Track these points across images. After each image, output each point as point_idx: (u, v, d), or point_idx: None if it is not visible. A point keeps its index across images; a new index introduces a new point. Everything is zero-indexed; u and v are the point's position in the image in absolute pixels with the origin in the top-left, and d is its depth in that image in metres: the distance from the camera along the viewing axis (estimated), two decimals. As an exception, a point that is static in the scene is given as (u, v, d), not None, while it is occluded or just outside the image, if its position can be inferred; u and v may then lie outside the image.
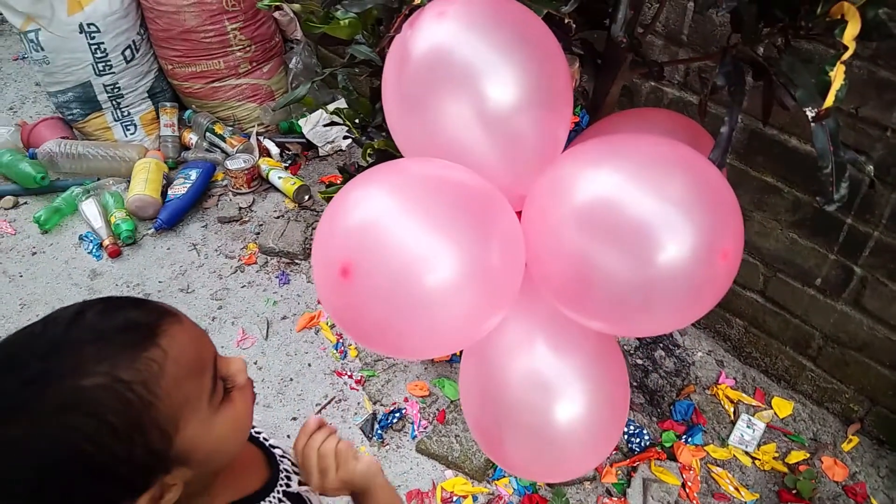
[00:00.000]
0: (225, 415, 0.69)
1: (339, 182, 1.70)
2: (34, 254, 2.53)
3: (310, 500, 0.87)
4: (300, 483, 0.86)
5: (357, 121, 1.64)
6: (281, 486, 0.83)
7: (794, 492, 1.78)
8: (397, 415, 1.99)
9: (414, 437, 1.94)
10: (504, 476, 1.84)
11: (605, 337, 1.06)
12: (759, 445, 1.90)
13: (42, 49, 2.65)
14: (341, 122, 1.66)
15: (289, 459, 0.89)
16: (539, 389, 0.95)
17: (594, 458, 1.02)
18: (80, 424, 0.58)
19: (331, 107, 1.91)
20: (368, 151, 1.53)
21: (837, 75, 0.89)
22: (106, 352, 0.61)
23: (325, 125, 2.59)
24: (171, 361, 0.64)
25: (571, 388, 0.95)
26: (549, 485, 1.83)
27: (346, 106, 1.67)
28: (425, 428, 1.96)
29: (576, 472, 1.13)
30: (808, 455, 1.87)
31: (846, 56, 0.90)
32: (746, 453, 1.88)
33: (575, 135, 1.23)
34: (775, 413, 1.97)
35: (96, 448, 0.59)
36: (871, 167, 1.12)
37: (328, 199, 1.64)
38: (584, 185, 0.95)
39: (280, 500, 0.81)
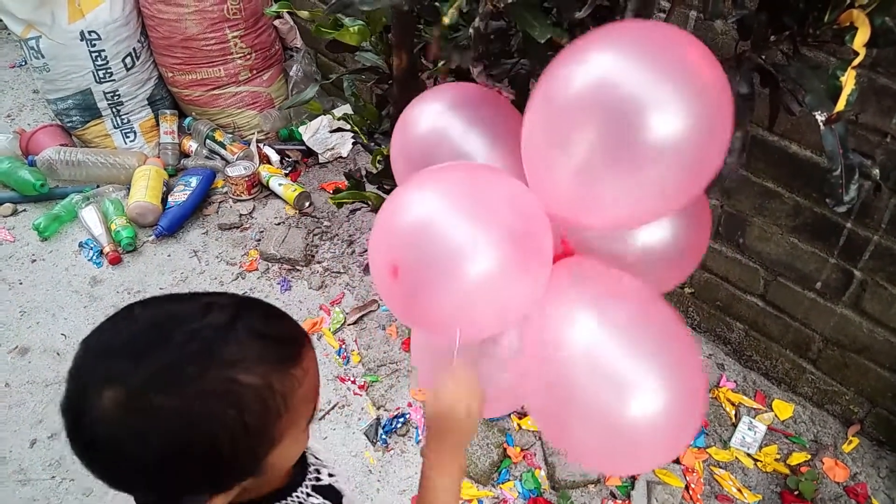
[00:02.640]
0: (303, 436, 0.74)
1: (344, 188, 1.72)
2: (34, 261, 2.53)
3: (342, 491, 0.88)
4: (330, 475, 0.87)
5: (364, 127, 1.66)
6: (310, 479, 0.84)
7: (795, 493, 1.80)
8: (401, 420, 1.99)
9: (418, 442, 1.95)
10: (509, 480, 1.85)
11: (673, 318, 1.05)
12: (760, 447, 1.92)
13: (42, 56, 2.65)
14: (348, 128, 1.68)
15: (313, 455, 0.90)
16: (608, 379, 0.94)
17: (671, 450, 1.00)
18: (225, 415, 0.62)
19: (338, 112, 1.93)
20: (378, 158, 1.54)
21: (849, 80, 0.92)
22: (267, 357, 0.65)
23: (331, 131, 2.60)
24: (307, 382, 0.69)
25: (644, 377, 0.94)
26: (553, 488, 1.84)
27: (350, 112, 1.69)
28: (430, 432, 1.97)
29: (651, 465, 1.11)
30: (810, 456, 1.89)
31: (857, 62, 0.92)
32: (748, 455, 1.90)
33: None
34: (776, 415, 1.99)
35: (226, 440, 0.62)
36: (878, 171, 1.15)
37: (338, 205, 1.66)
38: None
39: (308, 495, 0.82)
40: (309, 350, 0.71)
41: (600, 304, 1.02)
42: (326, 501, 0.85)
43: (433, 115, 1.16)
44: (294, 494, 0.81)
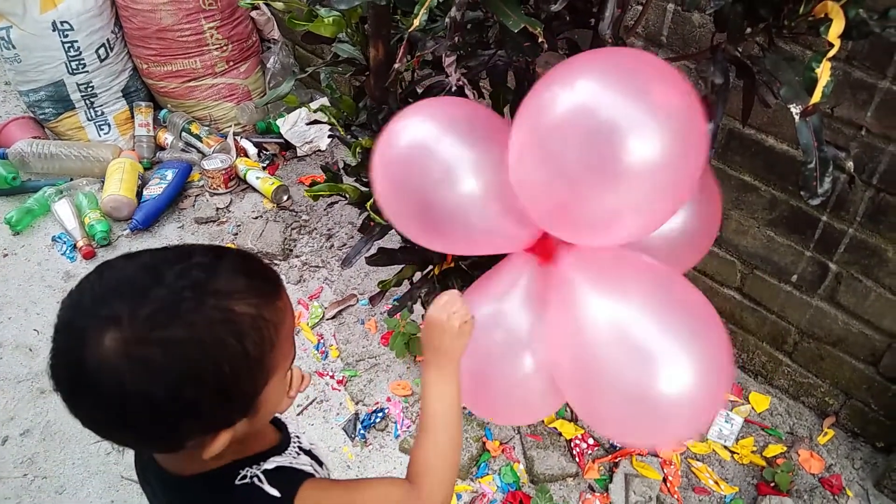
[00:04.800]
0: (286, 381, 0.77)
1: (322, 181, 1.70)
2: (5, 255, 2.48)
3: (318, 455, 0.92)
4: (310, 443, 0.92)
5: (341, 119, 1.64)
6: (295, 443, 0.88)
7: (772, 484, 1.81)
8: (380, 414, 1.98)
9: (397, 437, 1.94)
10: (487, 474, 1.85)
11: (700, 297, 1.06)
12: (737, 440, 1.93)
13: (13, 47, 2.60)
14: (325, 120, 1.66)
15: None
16: (634, 352, 0.96)
17: (698, 422, 1.02)
18: (228, 343, 0.65)
19: (314, 105, 1.91)
20: (356, 150, 1.52)
21: (824, 72, 0.92)
22: (254, 288, 0.68)
23: (308, 123, 2.58)
24: (288, 316, 0.73)
25: (670, 350, 0.95)
26: (532, 482, 1.84)
27: (327, 104, 1.67)
28: (408, 427, 1.96)
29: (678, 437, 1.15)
30: (786, 448, 1.91)
31: (832, 53, 0.92)
32: (725, 447, 1.92)
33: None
34: (753, 408, 2.01)
35: (231, 368, 0.65)
36: (851, 163, 1.15)
37: (314, 198, 1.64)
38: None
39: (297, 453, 0.86)
40: (283, 288, 0.74)
41: (624, 278, 1.04)
42: (313, 461, 0.88)
43: (414, 129, 1.15)
44: (286, 452, 0.84)
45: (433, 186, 1.07)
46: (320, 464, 0.92)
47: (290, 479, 0.79)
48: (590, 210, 0.95)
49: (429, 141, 1.09)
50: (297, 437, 0.90)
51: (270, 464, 0.80)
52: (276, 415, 0.90)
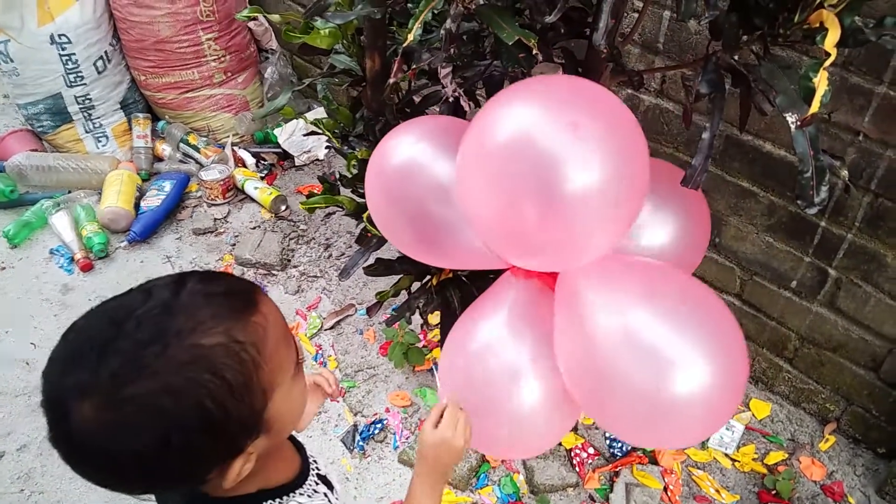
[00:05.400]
0: (299, 386, 0.75)
1: (318, 192, 1.69)
2: (3, 269, 2.48)
3: (330, 480, 0.92)
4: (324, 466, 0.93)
5: (337, 131, 1.64)
6: (314, 469, 0.88)
7: (773, 492, 1.80)
8: (379, 425, 1.97)
9: (396, 448, 1.93)
10: (487, 485, 1.84)
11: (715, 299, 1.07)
12: (738, 447, 1.92)
13: (11, 60, 2.60)
14: (321, 132, 1.66)
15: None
16: (647, 354, 0.95)
17: (713, 424, 1.02)
18: (203, 380, 0.62)
19: (311, 116, 1.91)
20: (352, 161, 1.52)
21: (821, 82, 0.92)
22: (220, 314, 0.65)
23: (304, 135, 2.58)
24: (272, 326, 0.69)
25: (684, 352, 0.95)
26: (532, 492, 1.83)
27: (324, 115, 1.67)
28: (407, 438, 1.95)
29: (692, 440, 1.17)
30: (787, 455, 1.90)
31: (829, 62, 0.92)
32: (726, 455, 1.91)
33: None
34: (753, 415, 2.00)
35: (215, 404, 0.62)
36: (846, 172, 1.15)
37: (310, 210, 1.64)
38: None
39: (316, 482, 0.86)
40: (262, 296, 0.71)
41: (627, 279, 1.04)
42: (328, 489, 0.89)
43: (407, 146, 1.17)
44: (307, 482, 0.84)
45: (426, 201, 1.08)
46: (331, 487, 0.92)
47: None
48: (533, 237, 0.97)
49: (421, 157, 1.09)
50: (314, 460, 0.90)
51: (295, 501, 0.80)
52: (295, 434, 0.92)
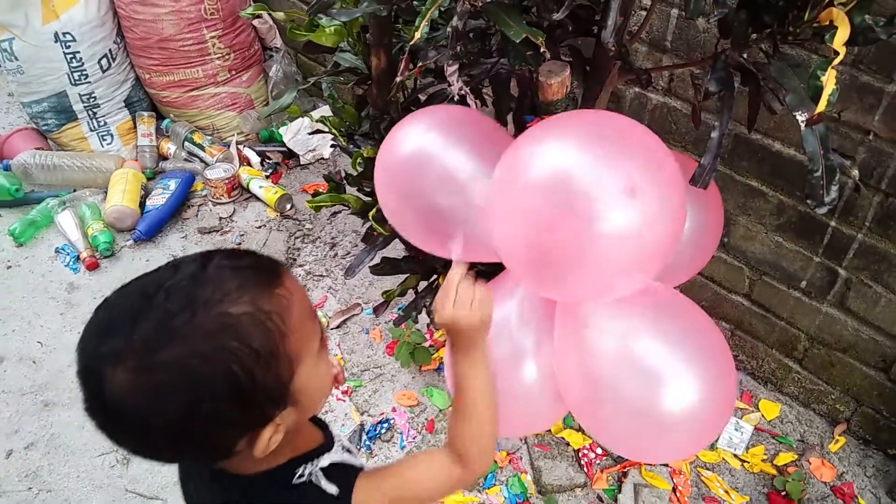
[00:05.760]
0: (324, 363, 0.77)
1: (324, 190, 1.69)
2: (9, 267, 2.48)
3: (351, 450, 0.92)
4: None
5: (343, 129, 1.63)
6: (338, 441, 0.88)
7: (783, 493, 1.79)
8: (385, 425, 1.97)
9: (403, 448, 1.92)
10: (494, 485, 1.83)
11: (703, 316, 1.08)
12: (747, 448, 1.91)
13: (16, 59, 2.60)
14: (326, 130, 1.65)
15: None
16: (641, 372, 0.97)
17: (706, 437, 1.03)
18: (231, 347, 0.64)
19: (316, 114, 1.90)
20: (358, 160, 1.51)
21: (829, 80, 0.90)
22: (246, 285, 0.67)
23: (309, 133, 2.57)
24: (296, 299, 0.71)
25: (674, 366, 0.97)
26: (539, 492, 1.82)
27: (329, 114, 1.66)
28: (414, 438, 1.94)
29: (684, 454, 1.18)
30: (796, 456, 1.88)
31: (837, 61, 0.90)
32: (735, 456, 1.89)
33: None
34: (763, 415, 1.98)
35: (243, 371, 0.64)
36: (857, 171, 1.13)
37: (316, 209, 1.63)
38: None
39: (343, 449, 0.87)
40: (286, 271, 0.73)
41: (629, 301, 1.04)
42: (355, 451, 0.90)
43: (417, 136, 1.16)
44: (334, 449, 0.85)
45: (437, 193, 1.07)
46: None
47: (345, 475, 0.81)
48: (564, 273, 0.97)
49: (431, 146, 1.08)
50: (338, 436, 0.91)
51: (325, 461, 0.81)
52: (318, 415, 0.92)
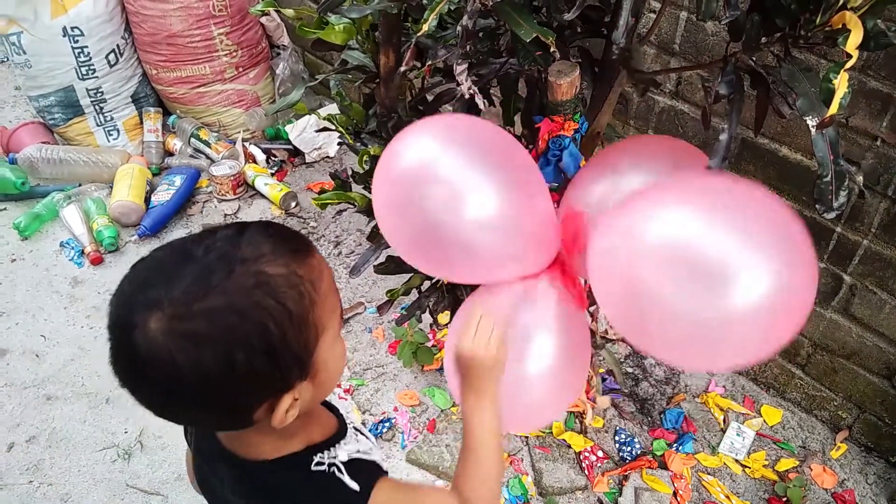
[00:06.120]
0: (341, 342, 0.77)
1: (330, 189, 1.68)
2: (13, 261, 2.48)
3: (362, 431, 0.92)
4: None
5: (350, 127, 1.63)
6: (350, 422, 0.89)
7: (784, 499, 1.79)
8: (387, 424, 1.96)
9: (404, 447, 1.92)
10: (495, 485, 1.83)
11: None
12: (748, 453, 1.90)
13: (24, 52, 2.61)
14: (333, 128, 1.65)
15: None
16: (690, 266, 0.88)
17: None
18: (266, 304, 0.65)
19: (323, 112, 1.90)
20: (364, 158, 1.51)
21: (841, 83, 0.90)
22: (282, 249, 0.69)
23: (317, 131, 2.57)
24: (325, 271, 0.73)
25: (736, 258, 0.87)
26: (540, 494, 1.82)
27: (336, 112, 1.66)
28: (415, 438, 1.94)
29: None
30: (798, 462, 1.88)
31: (849, 64, 0.90)
32: (737, 461, 1.89)
33: (576, 141, 1.23)
34: (765, 421, 1.98)
35: (277, 328, 0.66)
36: (861, 178, 1.13)
37: (322, 206, 1.63)
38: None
39: (356, 434, 0.88)
40: (314, 247, 0.74)
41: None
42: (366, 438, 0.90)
43: (419, 147, 1.05)
44: (347, 437, 0.85)
45: (439, 211, 1.00)
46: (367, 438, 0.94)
47: (368, 474, 0.81)
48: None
49: (433, 162, 1.00)
50: (347, 414, 0.92)
51: (344, 453, 0.81)
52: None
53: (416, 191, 1.01)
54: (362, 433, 0.91)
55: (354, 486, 0.79)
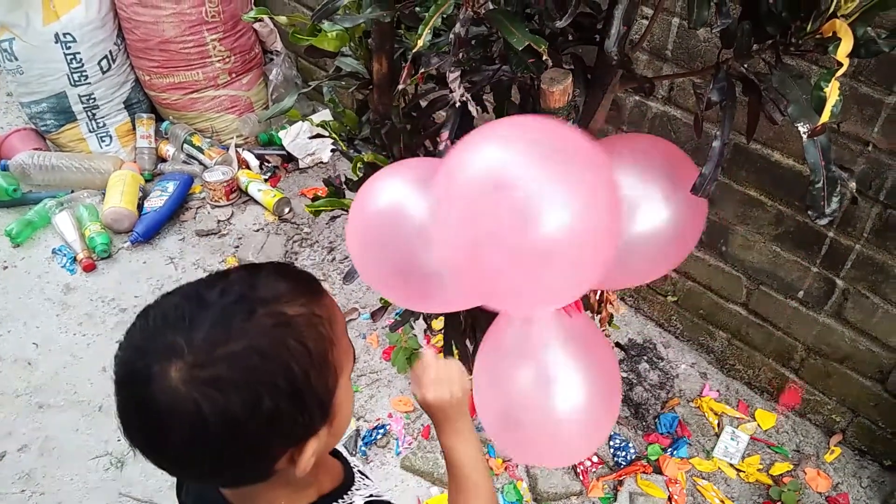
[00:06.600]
0: (351, 387, 0.75)
1: (323, 195, 1.68)
2: (5, 268, 2.47)
3: (366, 473, 0.91)
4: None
5: (343, 133, 1.63)
6: (354, 466, 0.87)
7: (778, 503, 1.79)
8: (381, 431, 1.96)
9: (398, 454, 1.92)
10: (490, 491, 1.83)
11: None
12: (743, 457, 1.91)
13: (16, 59, 2.60)
14: (326, 134, 1.65)
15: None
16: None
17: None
18: (289, 344, 0.64)
19: (316, 118, 1.89)
20: (358, 164, 1.51)
21: (832, 91, 0.90)
22: (298, 290, 0.68)
23: (310, 137, 2.57)
24: (338, 312, 0.72)
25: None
26: (535, 500, 1.82)
27: (330, 118, 1.65)
28: (410, 444, 1.94)
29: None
30: (792, 466, 1.88)
31: (841, 72, 0.91)
32: (731, 465, 1.89)
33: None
34: (759, 425, 1.98)
35: (300, 369, 0.64)
36: (854, 184, 1.13)
37: (315, 213, 1.63)
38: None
39: (362, 476, 0.86)
40: (323, 288, 0.74)
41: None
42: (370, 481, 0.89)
43: (392, 190, 1.08)
44: (357, 482, 0.84)
45: (412, 250, 1.01)
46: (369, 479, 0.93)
47: None
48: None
49: (404, 201, 1.03)
50: (354, 463, 0.90)
51: (360, 499, 0.80)
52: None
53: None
54: (363, 472, 0.90)
55: None
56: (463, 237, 0.87)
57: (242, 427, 0.61)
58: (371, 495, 0.82)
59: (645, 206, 1.14)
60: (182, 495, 0.88)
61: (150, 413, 0.61)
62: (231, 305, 0.63)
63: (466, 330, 1.63)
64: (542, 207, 0.82)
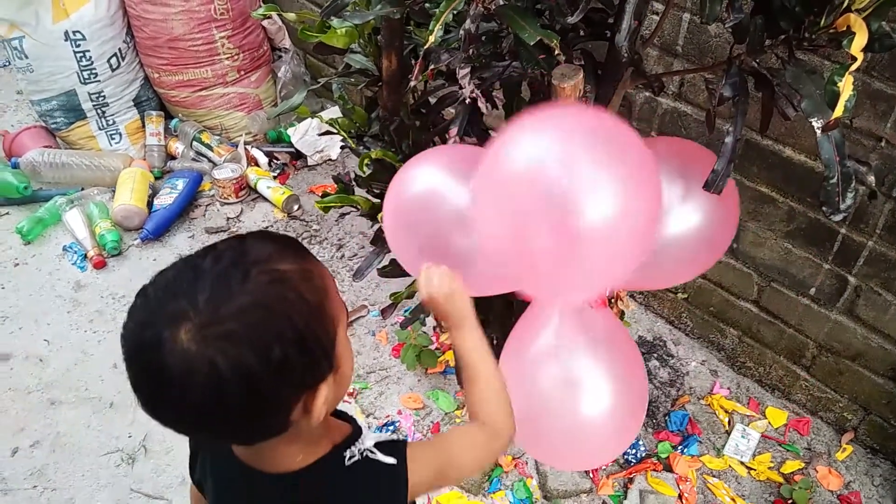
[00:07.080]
0: (348, 341, 0.78)
1: (332, 192, 1.68)
2: (16, 265, 2.48)
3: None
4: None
5: (352, 130, 1.63)
6: (363, 425, 0.90)
7: (789, 502, 1.78)
8: (391, 428, 1.96)
9: (408, 450, 1.92)
10: (500, 489, 1.83)
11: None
12: (754, 455, 1.90)
13: (26, 57, 2.61)
14: (335, 131, 1.64)
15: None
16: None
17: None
18: (288, 297, 0.67)
19: (326, 115, 1.90)
20: (366, 161, 1.51)
21: (846, 86, 0.89)
22: (286, 251, 0.71)
23: (319, 134, 2.57)
24: (323, 268, 0.75)
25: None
26: (545, 497, 1.81)
27: (339, 115, 1.65)
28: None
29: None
30: (803, 465, 1.87)
31: (855, 66, 0.90)
32: (742, 463, 1.88)
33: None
34: (770, 423, 1.97)
35: (300, 319, 0.67)
36: (873, 177, 1.13)
37: (325, 210, 1.63)
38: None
39: (368, 429, 0.92)
40: (308, 250, 0.77)
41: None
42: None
43: (428, 176, 1.16)
44: (361, 437, 0.85)
45: (447, 232, 1.07)
46: None
47: (396, 446, 0.83)
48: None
49: (440, 187, 1.09)
50: (363, 424, 0.95)
51: (370, 440, 0.83)
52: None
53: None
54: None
55: (391, 460, 0.81)
56: (509, 218, 0.93)
57: (257, 378, 0.64)
58: (379, 438, 0.85)
59: (678, 207, 1.16)
60: (195, 472, 0.91)
61: (165, 378, 0.63)
62: (226, 269, 0.66)
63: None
64: (590, 195, 0.88)
